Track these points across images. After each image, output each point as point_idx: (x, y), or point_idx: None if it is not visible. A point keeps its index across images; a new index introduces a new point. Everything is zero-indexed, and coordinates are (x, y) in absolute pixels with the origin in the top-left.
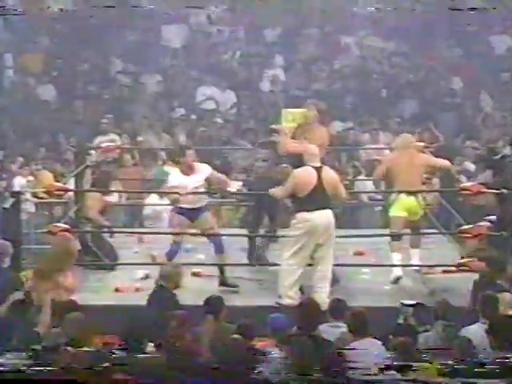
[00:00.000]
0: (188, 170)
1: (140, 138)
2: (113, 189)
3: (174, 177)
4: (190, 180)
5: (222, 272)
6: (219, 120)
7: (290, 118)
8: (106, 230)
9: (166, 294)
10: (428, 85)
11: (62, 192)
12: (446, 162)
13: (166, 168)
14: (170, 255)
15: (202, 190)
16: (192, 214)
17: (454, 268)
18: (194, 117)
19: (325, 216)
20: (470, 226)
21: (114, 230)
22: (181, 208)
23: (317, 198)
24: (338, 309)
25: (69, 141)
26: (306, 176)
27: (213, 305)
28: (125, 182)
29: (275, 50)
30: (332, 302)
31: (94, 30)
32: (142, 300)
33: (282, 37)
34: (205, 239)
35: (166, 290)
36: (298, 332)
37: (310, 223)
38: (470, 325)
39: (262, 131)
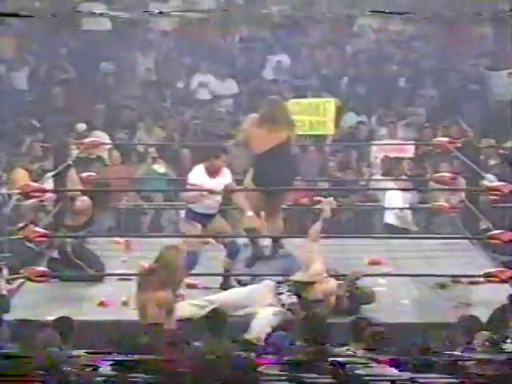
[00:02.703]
0: (214, 172)
1: (123, 133)
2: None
3: (198, 175)
4: (214, 183)
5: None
6: (218, 111)
7: (297, 109)
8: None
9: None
10: (454, 72)
11: (39, 193)
12: None
13: (156, 166)
14: (188, 267)
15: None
16: (205, 220)
17: (481, 279)
18: (186, 108)
19: None
20: (500, 231)
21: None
22: (195, 213)
23: None
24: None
25: (39, 136)
26: None
27: (213, 320)
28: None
29: (280, 32)
30: (354, 321)
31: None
32: (129, 315)
33: (288, 17)
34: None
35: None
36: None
37: None
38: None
39: None
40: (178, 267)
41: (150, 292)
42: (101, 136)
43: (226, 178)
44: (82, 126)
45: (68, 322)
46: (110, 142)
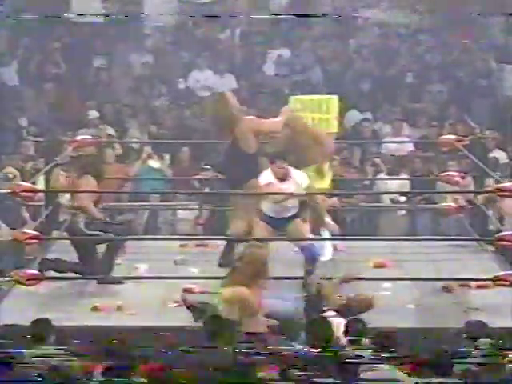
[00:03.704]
0: (283, 175)
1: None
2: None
3: (267, 180)
4: (284, 186)
5: None
6: None
7: (299, 106)
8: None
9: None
10: (462, 67)
11: (29, 193)
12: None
13: (151, 162)
14: None
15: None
16: (278, 224)
17: (490, 282)
18: (184, 104)
19: None
20: (510, 232)
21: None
22: (269, 217)
23: None
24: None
25: (30, 132)
26: None
27: (211, 326)
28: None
29: (281, 26)
30: (349, 323)
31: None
32: (124, 320)
33: (290, 10)
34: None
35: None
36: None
37: None
38: None
39: None
40: (264, 265)
41: (236, 291)
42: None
43: (295, 181)
44: (93, 114)
45: (47, 325)
46: (105, 139)
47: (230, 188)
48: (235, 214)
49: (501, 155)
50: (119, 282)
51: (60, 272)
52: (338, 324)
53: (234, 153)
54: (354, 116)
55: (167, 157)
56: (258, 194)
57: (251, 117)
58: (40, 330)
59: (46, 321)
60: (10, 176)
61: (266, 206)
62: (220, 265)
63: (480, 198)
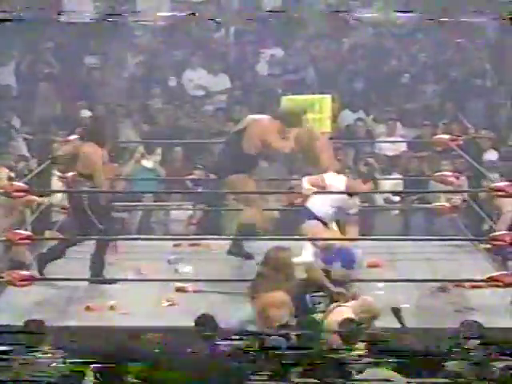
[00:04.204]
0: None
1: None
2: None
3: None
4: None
5: None
6: (209, 108)
7: (292, 106)
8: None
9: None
10: (456, 66)
11: (22, 193)
12: None
13: (145, 162)
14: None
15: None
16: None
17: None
18: (177, 104)
19: None
20: (504, 232)
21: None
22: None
23: None
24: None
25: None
26: None
27: (204, 326)
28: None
29: (274, 25)
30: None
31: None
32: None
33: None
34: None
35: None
36: None
37: None
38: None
39: None
40: (291, 266)
41: (267, 295)
42: None
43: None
44: (85, 113)
45: (40, 325)
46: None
47: (222, 185)
48: (245, 204)
49: (494, 155)
50: (111, 282)
51: (59, 257)
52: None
53: (233, 150)
54: (347, 116)
55: (159, 151)
56: (252, 192)
57: (270, 123)
58: (33, 331)
59: (40, 321)
60: (3, 175)
61: None
62: (230, 252)
63: (481, 194)
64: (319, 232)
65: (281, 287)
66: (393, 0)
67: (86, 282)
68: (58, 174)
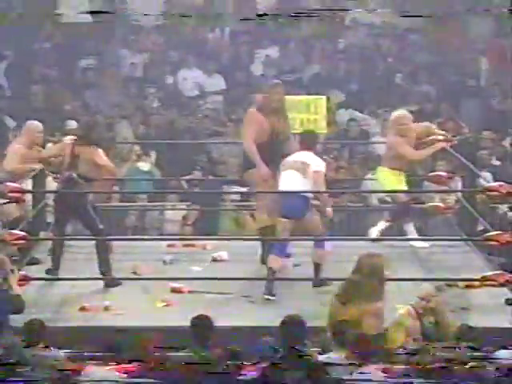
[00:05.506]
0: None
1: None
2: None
3: None
4: None
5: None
6: (204, 108)
7: (287, 106)
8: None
9: None
10: (450, 67)
11: (17, 194)
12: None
13: (141, 164)
14: None
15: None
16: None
17: (478, 282)
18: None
19: None
20: (498, 232)
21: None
22: None
23: None
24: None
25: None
26: None
27: (200, 327)
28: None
29: (269, 25)
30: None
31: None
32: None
33: (278, 10)
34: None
35: None
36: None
37: None
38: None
39: None
40: (385, 273)
41: (363, 304)
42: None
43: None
44: (71, 123)
45: (39, 325)
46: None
47: None
48: (258, 209)
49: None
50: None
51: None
52: None
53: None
54: (342, 116)
55: (153, 153)
56: (252, 192)
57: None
58: (34, 331)
59: (39, 321)
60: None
61: None
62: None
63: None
64: None
65: (375, 294)
66: (388, 0)
67: (82, 282)
68: (51, 174)
